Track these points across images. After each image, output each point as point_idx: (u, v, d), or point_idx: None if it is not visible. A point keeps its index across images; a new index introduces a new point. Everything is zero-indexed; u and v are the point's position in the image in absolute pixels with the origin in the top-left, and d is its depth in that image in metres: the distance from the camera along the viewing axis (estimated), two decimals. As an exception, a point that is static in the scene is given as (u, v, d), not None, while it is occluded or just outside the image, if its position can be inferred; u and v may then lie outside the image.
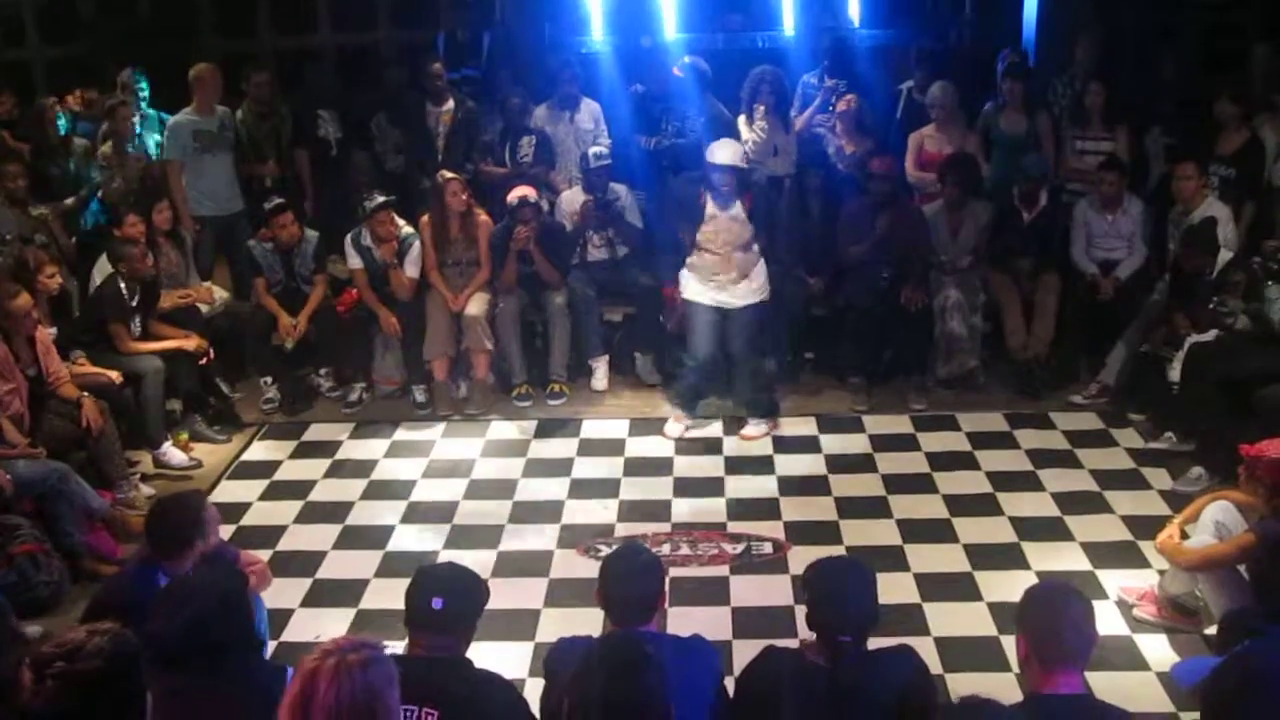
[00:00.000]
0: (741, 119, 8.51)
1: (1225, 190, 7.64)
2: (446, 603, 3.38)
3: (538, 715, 3.69)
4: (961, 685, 4.80)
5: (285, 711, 2.65)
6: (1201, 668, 4.18)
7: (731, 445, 7.29)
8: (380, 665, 2.69)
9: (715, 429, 7.50)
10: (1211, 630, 4.99)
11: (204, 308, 7.96)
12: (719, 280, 7.24)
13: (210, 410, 7.71)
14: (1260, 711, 2.44)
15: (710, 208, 7.14)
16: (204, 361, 7.47)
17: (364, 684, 2.62)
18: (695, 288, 7.32)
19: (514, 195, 7.77)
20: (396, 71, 9.23)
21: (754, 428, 7.40)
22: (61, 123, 8.74)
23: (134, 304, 7.23)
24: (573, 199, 8.21)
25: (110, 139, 8.53)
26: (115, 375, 6.87)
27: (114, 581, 4.78)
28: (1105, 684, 4.64)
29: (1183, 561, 5.06)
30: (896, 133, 8.96)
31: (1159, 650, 5.13)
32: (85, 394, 6.50)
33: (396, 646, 3.50)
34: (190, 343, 7.37)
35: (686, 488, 6.80)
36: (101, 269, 7.37)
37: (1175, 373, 6.86)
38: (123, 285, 7.15)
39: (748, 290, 7.28)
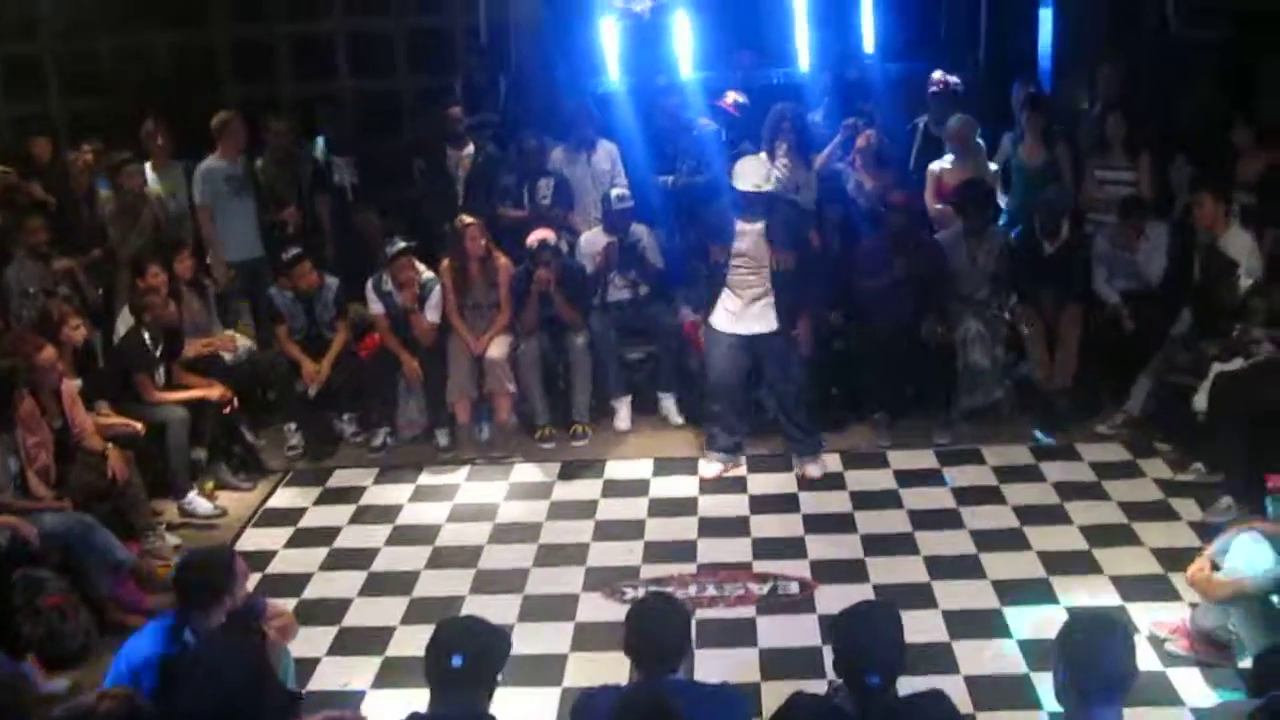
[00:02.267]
0: (762, 156, 8.53)
1: (1247, 217, 7.59)
2: (466, 659, 3.36)
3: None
4: (994, 725, 4.77)
5: None
6: (1236, 711, 4.13)
7: (756, 484, 7.25)
8: None
9: (739, 468, 7.47)
10: (1246, 664, 4.93)
11: (227, 355, 8.00)
12: (750, 293, 7.13)
13: (235, 458, 7.74)
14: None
15: (740, 224, 7.08)
16: (228, 410, 7.49)
17: None
18: (723, 316, 7.23)
19: (533, 238, 7.81)
20: (425, 118, 9.30)
21: (815, 466, 7.31)
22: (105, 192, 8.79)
23: (157, 354, 7.28)
24: (594, 241, 8.23)
25: (116, 195, 8.48)
26: (139, 426, 6.89)
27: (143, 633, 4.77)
28: None
29: (1214, 594, 5.01)
30: (915, 167, 8.95)
31: (1193, 685, 5.07)
32: (110, 445, 6.53)
33: (421, 699, 3.48)
34: (214, 391, 7.39)
35: (711, 528, 6.77)
36: (124, 320, 7.43)
37: (1201, 402, 6.81)
38: (146, 335, 7.20)
39: (773, 313, 7.17)
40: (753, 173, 7.09)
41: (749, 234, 7.07)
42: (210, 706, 3.37)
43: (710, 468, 7.41)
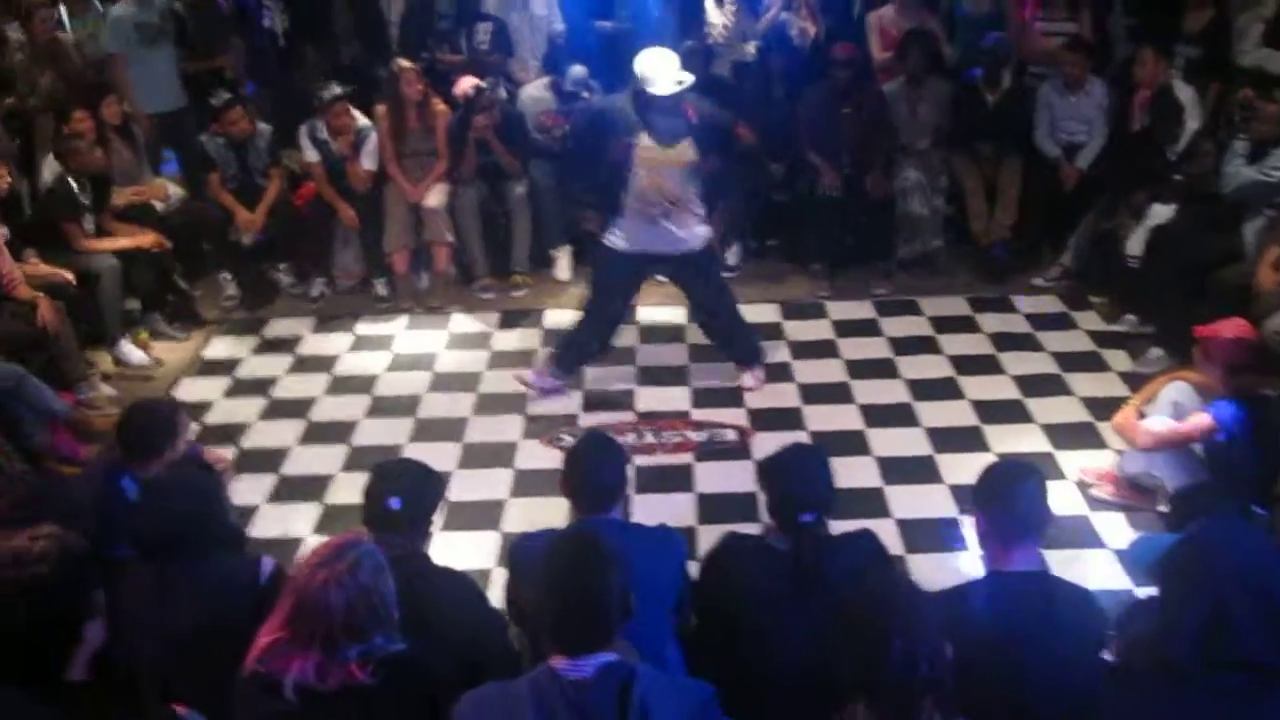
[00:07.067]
0: (710, 2, 8.38)
1: (1190, 71, 7.57)
2: (404, 501, 3.39)
3: (501, 606, 3.74)
4: (923, 566, 4.91)
5: (283, 622, 2.79)
6: (1156, 545, 4.26)
7: (695, 333, 7.21)
8: (367, 561, 2.83)
9: (679, 315, 7.41)
10: (1167, 508, 5.08)
11: (158, 204, 7.83)
12: (656, 210, 6.09)
13: (169, 308, 7.63)
14: (1215, 589, 2.48)
15: (644, 130, 5.96)
16: (160, 249, 7.32)
17: (357, 587, 2.77)
18: (618, 234, 6.24)
19: (463, 86, 7.64)
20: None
21: (753, 377, 6.60)
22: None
23: (86, 201, 7.10)
24: (538, 99, 8.06)
25: (29, 41, 8.03)
26: (69, 275, 6.76)
27: (78, 482, 4.76)
28: (1064, 561, 4.70)
29: (1140, 441, 5.13)
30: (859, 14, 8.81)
31: (1117, 528, 5.23)
32: (40, 294, 6.41)
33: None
34: (146, 239, 7.24)
35: (650, 377, 6.81)
36: (51, 167, 7.23)
37: (1135, 246, 6.91)
38: (73, 183, 7.01)
39: (683, 236, 6.20)
40: (666, 70, 5.89)
41: (650, 146, 5.98)
42: (161, 530, 3.39)
43: (544, 381, 6.65)
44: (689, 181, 6.13)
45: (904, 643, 2.51)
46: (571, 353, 6.61)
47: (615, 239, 6.26)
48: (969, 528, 5.06)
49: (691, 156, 6.06)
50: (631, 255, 6.26)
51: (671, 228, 6.14)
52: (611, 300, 6.52)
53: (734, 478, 5.73)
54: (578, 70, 7.86)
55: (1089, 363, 6.75)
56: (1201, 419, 4.83)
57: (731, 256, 8.02)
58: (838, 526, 3.66)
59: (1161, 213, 6.86)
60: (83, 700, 2.74)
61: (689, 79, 5.91)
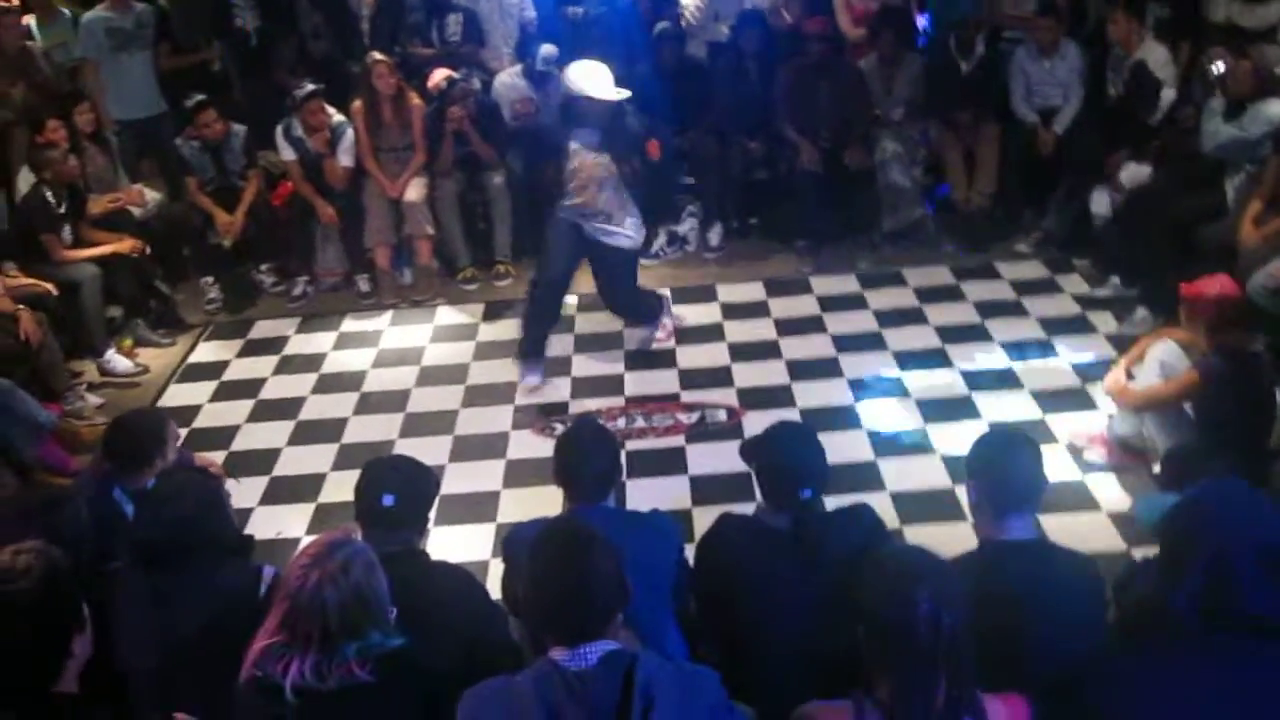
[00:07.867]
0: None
1: (1161, 30, 7.56)
2: (397, 499, 3.37)
3: (499, 598, 3.73)
4: (919, 538, 4.88)
5: (278, 625, 2.79)
6: (1160, 505, 4.25)
7: (680, 315, 7.22)
8: (358, 558, 2.83)
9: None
10: (1159, 468, 5.08)
11: (136, 210, 7.78)
12: (588, 216, 6.32)
13: (152, 314, 7.60)
14: (1215, 546, 2.48)
15: (573, 142, 6.20)
16: (138, 254, 7.27)
17: (350, 584, 2.77)
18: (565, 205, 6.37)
19: (435, 79, 7.62)
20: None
21: (661, 330, 6.86)
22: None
23: (62, 211, 7.05)
24: (512, 86, 8.02)
25: None
26: (50, 286, 6.72)
27: (73, 497, 4.72)
28: (1058, 526, 4.69)
29: (1129, 402, 5.13)
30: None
31: (1110, 491, 5.24)
32: (21, 307, 6.36)
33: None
34: (125, 245, 7.21)
35: (638, 360, 6.79)
36: (25, 178, 7.18)
37: (1099, 204, 6.91)
38: (49, 193, 6.96)
39: (617, 233, 6.35)
40: (602, 78, 6.06)
41: (580, 153, 6.19)
42: (162, 537, 3.38)
43: (532, 378, 6.58)
44: (615, 192, 6.25)
45: (931, 605, 2.48)
46: (535, 332, 6.59)
47: (562, 211, 6.36)
48: (963, 498, 5.12)
49: (610, 169, 6.20)
50: (573, 223, 6.35)
51: (599, 225, 6.31)
52: (557, 264, 6.48)
53: (726, 458, 5.66)
54: (547, 49, 7.83)
55: (1076, 326, 6.75)
56: (1189, 377, 4.84)
57: (714, 237, 8.03)
58: (832, 502, 3.66)
59: (1139, 174, 6.86)
60: (72, 714, 2.72)
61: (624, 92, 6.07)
